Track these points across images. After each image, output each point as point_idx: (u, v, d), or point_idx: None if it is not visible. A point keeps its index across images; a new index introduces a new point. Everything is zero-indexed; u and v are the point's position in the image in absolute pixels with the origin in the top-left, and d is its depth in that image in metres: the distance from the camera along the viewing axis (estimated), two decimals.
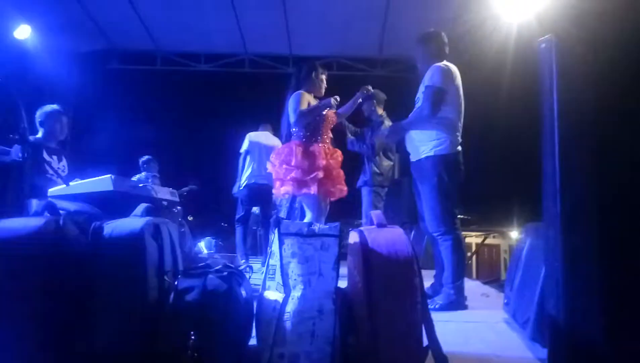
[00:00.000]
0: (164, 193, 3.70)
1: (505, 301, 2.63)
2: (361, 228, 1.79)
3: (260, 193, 5.15)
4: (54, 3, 5.49)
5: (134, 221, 1.71)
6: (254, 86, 7.55)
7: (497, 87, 5.33)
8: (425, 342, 1.67)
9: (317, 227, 1.64)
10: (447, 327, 2.35)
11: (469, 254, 10.39)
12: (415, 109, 3.14)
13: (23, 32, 5.61)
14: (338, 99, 3.34)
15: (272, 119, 5.14)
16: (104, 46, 6.80)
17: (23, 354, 1.48)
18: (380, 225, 1.77)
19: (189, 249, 3.71)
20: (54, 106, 3.34)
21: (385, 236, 1.70)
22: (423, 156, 3.04)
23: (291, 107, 3.29)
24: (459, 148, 3.07)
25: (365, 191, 4.71)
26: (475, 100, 3.19)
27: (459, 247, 2.98)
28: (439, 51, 3.16)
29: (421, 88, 3.09)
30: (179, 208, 4.31)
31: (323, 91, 3.51)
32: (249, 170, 5.24)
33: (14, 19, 5.46)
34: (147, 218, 1.75)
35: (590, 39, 1.65)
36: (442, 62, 3.05)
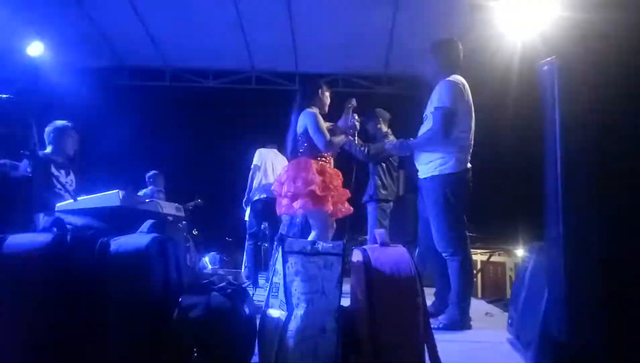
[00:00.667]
0: (170, 209, 3.73)
1: (510, 321, 2.62)
2: (364, 247, 1.81)
3: (272, 207, 5.18)
4: (66, 20, 5.61)
5: (140, 238, 1.74)
6: (261, 102, 7.62)
7: (502, 104, 5.36)
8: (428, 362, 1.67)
9: (320, 246, 1.66)
10: (450, 347, 2.33)
11: (474, 271, 10.35)
12: (424, 130, 3.07)
13: (36, 48, 5.72)
14: (354, 102, 3.42)
15: (278, 135, 5.19)
16: (114, 62, 6.92)
17: None
18: (383, 244, 1.79)
19: (193, 264, 3.72)
20: (64, 122, 3.40)
21: (388, 255, 1.72)
22: (429, 175, 3.01)
23: (311, 127, 3.27)
24: (469, 165, 3.02)
25: (370, 208, 4.71)
26: (480, 118, 3.19)
27: (467, 268, 2.93)
28: (453, 61, 3.07)
29: (430, 105, 3.03)
30: (184, 223, 4.34)
31: (327, 107, 3.55)
32: (260, 184, 5.27)
33: (27, 35, 5.59)
34: (153, 235, 1.78)
35: (593, 60, 1.66)
36: (452, 77, 2.97)
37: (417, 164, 3.19)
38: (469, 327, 2.91)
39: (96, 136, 6.60)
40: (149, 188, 6.03)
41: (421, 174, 3.12)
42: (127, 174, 6.27)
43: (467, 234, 3.02)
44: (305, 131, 3.31)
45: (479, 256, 10.75)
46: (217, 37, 6.21)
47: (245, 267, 5.70)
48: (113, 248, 1.69)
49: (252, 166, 5.40)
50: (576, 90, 1.66)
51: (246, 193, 5.41)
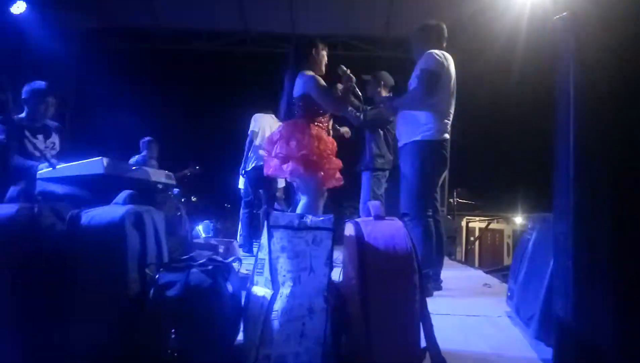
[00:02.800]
0: (160, 176, 3.58)
1: (509, 294, 2.53)
2: (357, 220, 1.68)
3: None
4: None
5: (114, 209, 1.61)
6: (256, 65, 7.37)
7: (507, 70, 5.14)
8: (424, 342, 1.57)
9: (309, 219, 1.53)
10: (446, 322, 2.25)
11: (472, 239, 10.35)
12: (408, 90, 3.19)
13: (19, 7, 5.45)
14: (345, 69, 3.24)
15: (275, 100, 5.00)
16: (102, 23, 6.62)
17: None
18: (377, 217, 1.66)
19: (186, 233, 3.61)
20: (40, 84, 3.19)
21: (383, 229, 1.59)
22: (410, 140, 3.08)
23: (314, 89, 3.06)
24: (446, 135, 3.08)
25: (364, 177, 4.54)
26: (485, 84, 3.07)
27: (426, 235, 2.98)
28: (437, 41, 3.16)
29: (415, 73, 3.13)
30: (176, 191, 4.21)
31: (324, 68, 3.33)
32: (257, 151, 5.10)
33: None
34: (129, 206, 1.65)
35: (606, 16, 1.51)
36: (435, 50, 3.06)
37: (397, 134, 3.31)
38: (430, 294, 2.86)
39: (85, 101, 6.41)
40: (141, 153, 5.87)
41: (402, 141, 3.21)
42: (118, 140, 6.11)
43: (436, 204, 3.13)
44: (303, 94, 3.11)
45: (477, 224, 10.75)
46: None
47: (240, 236, 5.61)
48: (84, 220, 1.57)
49: (249, 132, 5.22)
50: (590, 47, 1.50)
51: (243, 161, 5.26)
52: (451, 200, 8.13)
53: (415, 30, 3.31)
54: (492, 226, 10.59)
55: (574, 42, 1.60)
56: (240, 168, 5.35)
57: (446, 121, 3.07)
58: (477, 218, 10.66)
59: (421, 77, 3.01)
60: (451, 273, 4.21)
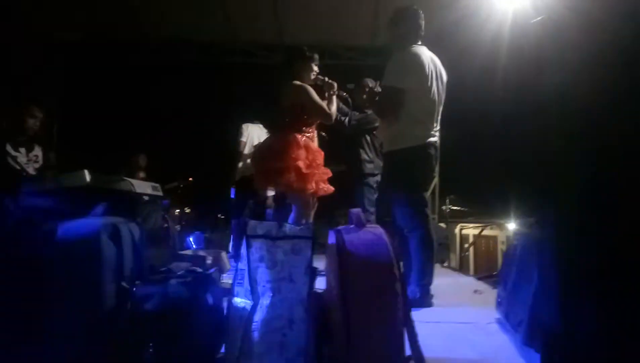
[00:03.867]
0: (145, 188, 3.55)
1: (498, 300, 2.50)
2: (339, 228, 1.66)
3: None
4: None
5: (90, 222, 1.58)
6: (245, 75, 7.36)
7: (493, 75, 5.17)
8: (408, 350, 1.55)
9: (287, 228, 1.50)
10: (434, 329, 2.22)
11: (466, 245, 10.34)
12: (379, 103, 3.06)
13: None
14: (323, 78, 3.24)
15: (262, 108, 4.99)
16: (88, 34, 6.60)
17: None
18: (358, 225, 1.64)
19: (172, 245, 3.57)
20: (24, 99, 3.18)
21: (363, 237, 1.57)
22: (388, 149, 2.99)
23: (309, 100, 3.06)
24: (431, 139, 2.92)
25: (356, 183, 4.53)
26: (471, 88, 3.04)
27: (427, 244, 2.86)
28: (413, 30, 2.95)
29: (391, 69, 2.91)
30: (165, 202, 4.17)
31: (312, 77, 3.32)
32: (246, 161, 5.08)
33: None
34: (105, 218, 1.61)
35: (583, 21, 1.51)
36: (409, 49, 2.87)
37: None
38: (430, 305, 2.80)
39: (71, 114, 6.38)
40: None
41: (384, 150, 3.13)
42: (105, 153, 6.07)
43: (427, 211, 2.99)
44: (292, 104, 3.11)
45: (470, 230, 10.73)
46: (197, 7, 5.91)
47: (231, 246, 5.57)
48: (60, 233, 1.53)
49: (239, 142, 5.19)
50: (567, 51, 1.51)
51: (235, 170, 5.24)
52: (443, 207, 8.13)
53: (388, 21, 3.11)
54: (485, 232, 10.56)
55: (552, 45, 1.61)
56: (232, 178, 5.33)
57: (425, 125, 2.90)
58: (471, 225, 10.64)
59: (381, 95, 2.92)
60: (442, 280, 4.19)
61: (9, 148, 2.92)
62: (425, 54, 2.91)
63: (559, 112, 1.59)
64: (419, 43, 2.95)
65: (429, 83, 2.87)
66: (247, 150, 5.13)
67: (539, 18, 1.61)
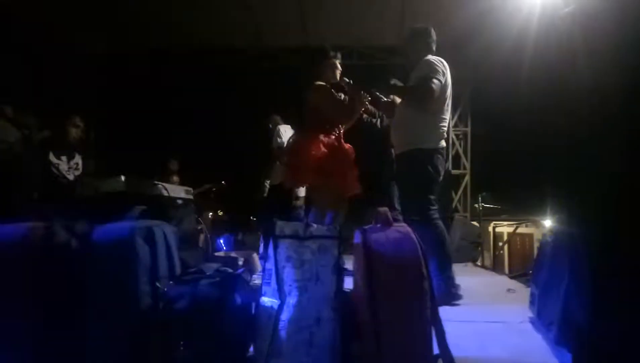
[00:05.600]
0: (179, 192, 3.65)
1: (531, 299, 2.46)
2: (365, 227, 1.67)
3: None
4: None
5: (125, 225, 1.64)
6: (272, 78, 7.44)
7: (524, 69, 5.04)
8: (437, 349, 1.54)
9: (314, 228, 1.53)
10: (465, 328, 2.20)
11: (500, 244, 10.12)
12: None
13: None
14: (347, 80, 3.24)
15: (291, 110, 5.03)
16: (121, 46, 6.83)
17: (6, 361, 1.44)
18: (384, 224, 1.64)
19: (205, 247, 3.66)
20: (67, 109, 3.33)
21: (390, 236, 1.57)
22: (407, 149, 3.03)
23: (324, 101, 3.11)
24: (443, 143, 3.05)
25: (388, 184, 4.52)
26: (503, 83, 3.00)
27: (439, 240, 2.91)
28: (429, 45, 3.14)
29: (414, 77, 3.07)
30: (194, 206, 4.27)
31: (337, 76, 3.33)
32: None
33: None
34: (140, 221, 1.68)
35: (614, 11, 1.48)
36: (432, 56, 3.04)
37: (393, 142, 3.25)
38: (460, 297, 2.82)
39: (111, 121, 6.60)
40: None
41: (397, 150, 3.17)
42: (140, 158, 6.24)
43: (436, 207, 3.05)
44: (313, 106, 3.15)
45: (505, 228, 10.51)
46: (224, 14, 6.03)
47: (261, 246, 5.63)
48: (97, 236, 1.60)
49: (280, 143, 5.23)
50: (598, 42, 1.47)
51: (272, 173, 5.30)
52: (476, 205, 8.00)
53: (406, 37, 3.30)
54: (520, 230, 10.32)
55: (583, 35, 1.58)
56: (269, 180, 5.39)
57: (441, 129, 3.04)
58: (505, 223, 10.42)
59: (424, 84, 2.95)
60: (475, 279, 4.14)
61: (51, 156, 3.07)
62: (445, 63, 3.05)
63: (591, 105, 1.56)
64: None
65: (449, 89, 3.05)
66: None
67: (569, 9, 1.58)
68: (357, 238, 1.63)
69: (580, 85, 1.44)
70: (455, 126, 7.62)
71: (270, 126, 5.39)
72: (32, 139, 2.43)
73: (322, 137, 3.07)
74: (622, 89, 1.45)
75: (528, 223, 10.47)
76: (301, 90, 3.31)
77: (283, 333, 1.42)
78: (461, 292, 2.88)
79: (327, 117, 3.14)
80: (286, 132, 5.24)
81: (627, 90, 1.45)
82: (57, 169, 3.01)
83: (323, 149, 3.00)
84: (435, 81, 2.89)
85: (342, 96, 3.28)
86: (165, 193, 3.32)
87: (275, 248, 1.49)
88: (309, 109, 3.17)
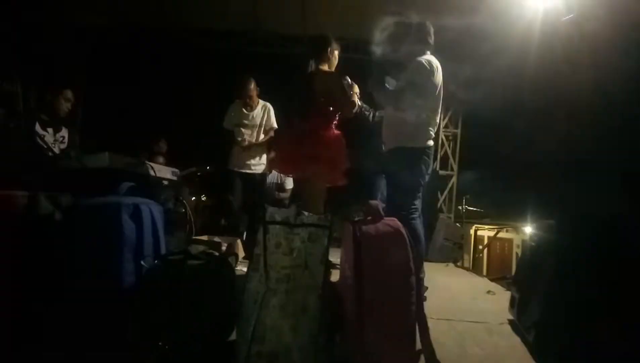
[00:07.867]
0: (165, 173, 3.60)
1: (511, 302, 2.49)
2: (355, 220, 1.66)
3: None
4: None
5: (112, 200, 1.61)
6: (268, 65, 7.36)
7: (519, 76, 5.08)
8: (419, 345, 1.55)
9: (306, 216, 1.51)
10: (445, 327, 2.22)
11: (480, 247, 10.24)
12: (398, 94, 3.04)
13: None
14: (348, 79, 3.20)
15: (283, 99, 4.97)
16: (114, 20, 6.69)
17: None
18: (375, 217, 1.64)
19: (190, 230, 3.62)
20: (59, 82, 3.25)
21: (379, 229, 1.57)
22: (396, 146, 3.01)
23: (337, 88, 3.08)
24: (430, 142, 3.03)
25: (376, 177, 4.51)
26: (493, 88, 2.99)
27: (414, 238, 2.89)
28: (424, 40, 3.05)
29: (403, 78, 3.02)
30: (183, 188, 4.22)
31: (334, 67, 3.30)
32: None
33: None
34: (127, 198, 1.65)
35: (616, 18, 1.49)
36: (424, 56, 2.96)
37: (383, 138, 3.18)
38: (425, 299, 2.81)
39: (95, 97, 6.47)
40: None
41: (386, 146, 3.14)
42: (128, 137, 6.15)
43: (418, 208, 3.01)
44: (327, 91, 3.10)
45: (486, 232, 10.62)
46: None
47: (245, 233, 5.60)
48: (82, 209, 1.57)
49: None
50: (600, 49, 1.48)
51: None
52: (460, 207, 8.08)
53: (401, 25, 3.11)
54: (501, 234, 10.44)
55: (584, 42, 1.58)
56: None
57: (430, 128, 3.03)
58: (486, 226, 10.53)
59: (409, 89, 2.92)
60: (456, 279, 4.17)
61: (37, 127, 3.00)
62: (436, 62, 3.00)
63: (591, 111, 1.57)
64: (428, 53, 3.03)
65: (439, 90, 2.99)
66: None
67: (571, 15, 1.58)
68: (347, 229, 1.62)
69: (581, 91, 1.44)
70: (446, 127, 7.66)
71: None
72: (17, 109, 2.36)
73: (321, 126, 3.05)
74: (623, 93, 1.46)
75: (509, 229, 10.61)
76: (304, 75, 3.24)
77: (268, 320, 1.41)
78: (426, 294, 2.82)
79: (335, 103, 3.10)
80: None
81: (628, 94, 1.46)
82: (43, 140, 2.94)
83: (322, 138, 2.98)
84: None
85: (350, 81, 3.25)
86: (152, 173, 3.27)
87: (265, 233, 1.47)
88: (318, 94, 3.10)
